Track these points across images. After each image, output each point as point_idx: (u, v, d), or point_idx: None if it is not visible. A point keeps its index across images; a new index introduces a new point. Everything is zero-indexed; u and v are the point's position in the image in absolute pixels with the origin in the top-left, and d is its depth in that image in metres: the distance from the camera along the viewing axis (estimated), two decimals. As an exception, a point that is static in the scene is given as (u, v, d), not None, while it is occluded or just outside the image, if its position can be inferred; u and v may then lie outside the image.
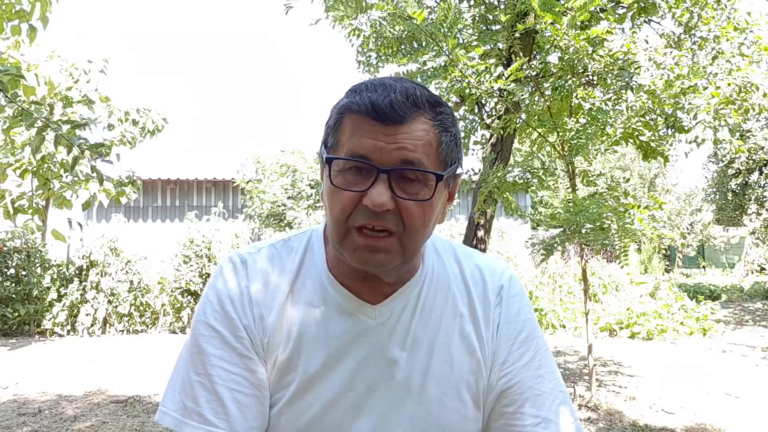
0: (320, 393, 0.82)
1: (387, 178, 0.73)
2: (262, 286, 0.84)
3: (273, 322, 0.83)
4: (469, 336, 0.87)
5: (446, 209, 0.85)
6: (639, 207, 4.38)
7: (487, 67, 3.86)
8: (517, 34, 4.32)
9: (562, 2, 3.85)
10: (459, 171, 0.84)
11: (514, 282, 0.93)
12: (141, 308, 8.70)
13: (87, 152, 3.43)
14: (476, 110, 5.17)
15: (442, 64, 3.78)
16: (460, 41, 4.36)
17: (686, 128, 4.65)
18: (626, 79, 4.19)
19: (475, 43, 4.42)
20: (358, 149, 0.74)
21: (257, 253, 0.88)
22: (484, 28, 4.75)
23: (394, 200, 0.74)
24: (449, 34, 3.56)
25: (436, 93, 2.33)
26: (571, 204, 4.17)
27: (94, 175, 3.60)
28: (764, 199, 17.18)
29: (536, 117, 4.52)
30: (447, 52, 3.67)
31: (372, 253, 0.75)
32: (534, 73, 4.55)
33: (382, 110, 0.73)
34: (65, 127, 3.38)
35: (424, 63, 3.81)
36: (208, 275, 8.45)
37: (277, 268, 0.86)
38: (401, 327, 0.84)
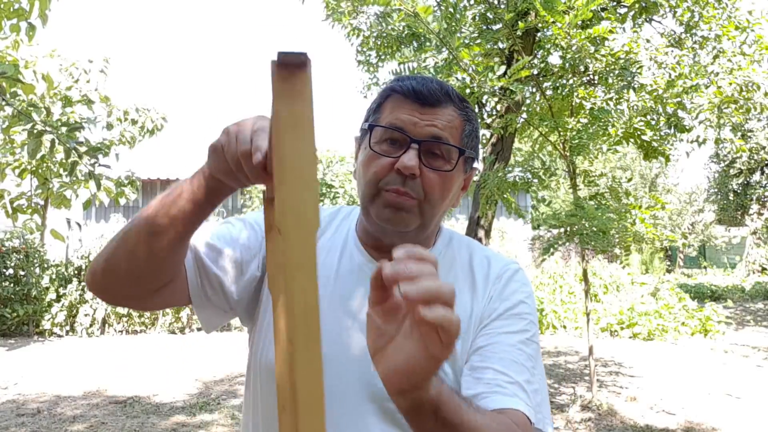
0: (321, 325, 0.84)
1: (417, 148, 0.86)
2: None
3: None
4: (463, 305, 0.91)
5: (460, 196, 0.97)
6: (640, 207, 4.36)
7: (489, 66, 3.83)
8: (518, 33, 4.30)
9: (564, 1, 3.83)
10: (476, 165, 0.97)
11: (519, 273, 0.97)
12: (140, 308, 8.67)
13: (85, 157, 3.40)
14: (477, 110, 5.15)
15: (444, 60, 3.76)
16: (464, 41, 4.34)
17: (688, 128, 4.63)
18: (628, 79, 4.17)
19: (478, 41, 4.39)
20: (396, 122, 0.88)
21: None
22: (485, 27, 4.73)
23: (421, 169, 0.86)
24: (455, 30, 3.54)
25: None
26: (577, 209, 4.14)
27: (92, 179, 3.57)
28: (766, 199, 17.16)
29: (537, 116, 4.50)
30: (450, 50, 3.64)
31: (396, 211, 0.87)
32: (536, 72, 4.52)
33: (420, 93, 0.87)
34: (62, 129, 3.35)
35: (425, 60, 3.79)
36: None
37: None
38: None
